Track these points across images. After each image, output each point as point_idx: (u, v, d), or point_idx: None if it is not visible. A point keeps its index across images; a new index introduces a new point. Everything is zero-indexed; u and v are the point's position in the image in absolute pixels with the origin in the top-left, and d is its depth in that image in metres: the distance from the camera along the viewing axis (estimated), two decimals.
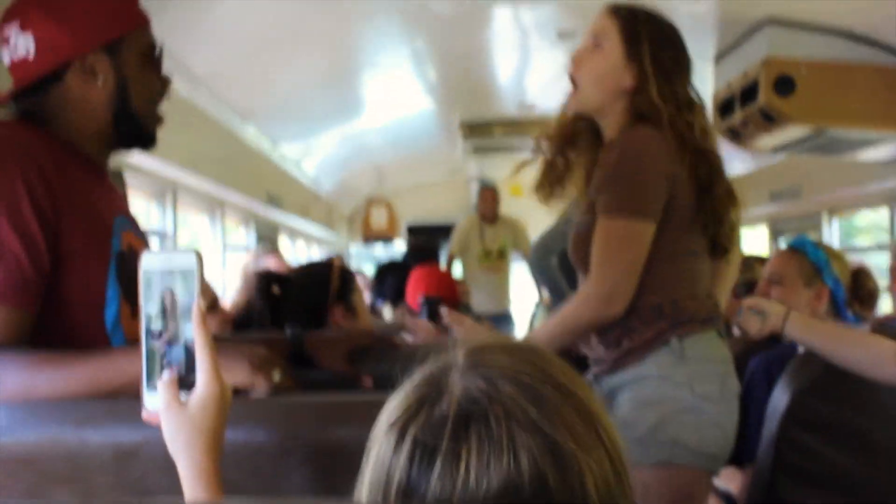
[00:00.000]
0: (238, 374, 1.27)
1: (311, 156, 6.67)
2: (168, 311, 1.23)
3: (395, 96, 5.80)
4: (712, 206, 2.28)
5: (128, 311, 1.73)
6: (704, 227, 2.30)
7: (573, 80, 2.36)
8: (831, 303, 2.96)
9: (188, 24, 2.24)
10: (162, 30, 1.95)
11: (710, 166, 2.28)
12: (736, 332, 2.63)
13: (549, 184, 2.49)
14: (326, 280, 2.70)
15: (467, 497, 0.83)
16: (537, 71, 5.42)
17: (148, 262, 1.24)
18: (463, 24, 4.28)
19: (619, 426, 2.18)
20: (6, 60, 1.81)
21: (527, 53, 5.03)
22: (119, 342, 1.72)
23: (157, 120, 1.93)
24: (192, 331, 1.22)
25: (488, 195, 7.87)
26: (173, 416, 1.22)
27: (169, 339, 1.24)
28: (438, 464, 0.84)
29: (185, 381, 1.23)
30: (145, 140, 1.93)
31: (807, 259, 2.96)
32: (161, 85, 1.92)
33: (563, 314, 2.28)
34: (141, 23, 1.86)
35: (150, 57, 1.87)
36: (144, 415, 1.26)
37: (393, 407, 0.90)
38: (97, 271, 1.74)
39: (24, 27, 1.75)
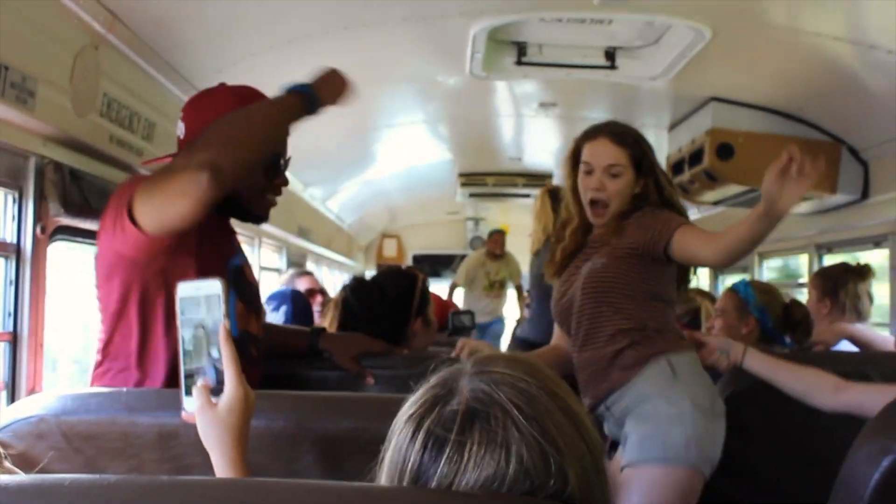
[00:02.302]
0: None
1: (336, 196, 6.68)
2: (200, 330, 1.25)
3: (406, 151, 5.81)
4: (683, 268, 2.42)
5: (242, 308, 1.94)
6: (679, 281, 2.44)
7: (598, 202, 2.39)
8: (762, 330, 2.95)
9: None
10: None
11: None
12: None
13: (562, 267, 2.52)
14: (412, 294, 2.58)
15: (463, 483, 0.83)
16: (523, 133, 5.45)
17: (182, 291, 1.25)
18: (464, 95, 4.30)
19: (626, 438, 2.14)
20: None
21: (515, 119, 5.06)
22: (233, 328, 1.90)
23: (266, 205, 2.07)
24: (220, 346, 1.24)
25: (498, 237, 8.27)
26: (207, 417, 1.25)
27: (202, 353, 1.26)
28: (446, 453, 0.84)
29: (216, 389, 1.25)
30: (253, 219, 2.09)
31: (738, 296, 2.97)
32: (269, 182, 2.04)
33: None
34: None
35: (262, 162, 1.96)
36: (183, 415, 1.29)
37: (411, 403, 0.91)
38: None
39: (182, 119, 1.97)
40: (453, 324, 4.30)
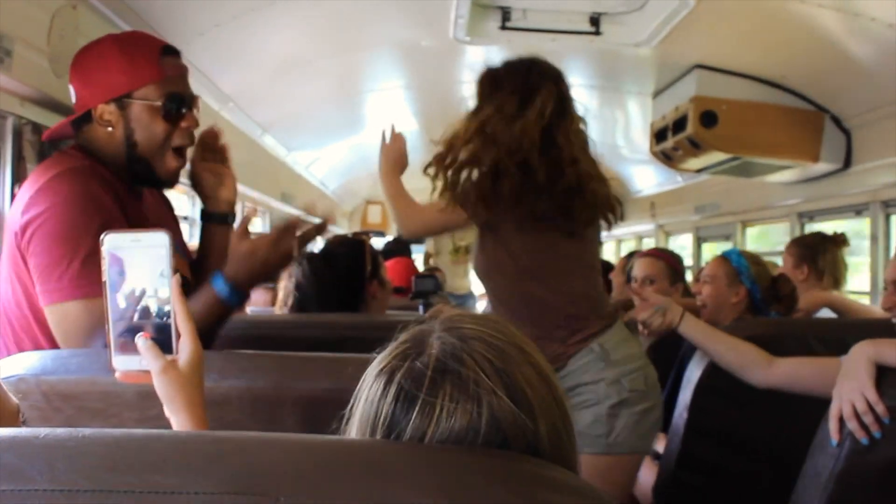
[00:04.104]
0: None
1: (320, 162, 6.64)
2: (139, 285, 1.14)
3: (390, 116, 5.77)
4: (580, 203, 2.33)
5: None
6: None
7: None
8: (751, 301, 2.97)
9: (220, 50, 2.21)
10: (197, 55, 1.95)
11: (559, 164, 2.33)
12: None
13: None
14: (362, 259, 2.61)
15: (436, 435, 0.84)
16: None
17: (112, 242, 1.13)
18: (447, 60, 4.27)
19: None
20: None
21: None
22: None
23: (170, 164, 1.84)
24: (171, 301, 1.14)
25: None
26: (172, 378, 1.16)
27: (143, 309, 1.15)
28: (418, 406, 0.85)
29: (162, 346, 1.16)
30: (158, 182, 1.88)
31: (731, 264, 2.99)
32: (172, 127, 1.81)
33: None
34: (150, 80, 1.77)
35: (159, 109, 1.77)
36: (119, 376, 1.18)
37: (381, 357, 0.91)
38: None
39: (70, 81, 1.81)
40: (416, 287, 4.31)
